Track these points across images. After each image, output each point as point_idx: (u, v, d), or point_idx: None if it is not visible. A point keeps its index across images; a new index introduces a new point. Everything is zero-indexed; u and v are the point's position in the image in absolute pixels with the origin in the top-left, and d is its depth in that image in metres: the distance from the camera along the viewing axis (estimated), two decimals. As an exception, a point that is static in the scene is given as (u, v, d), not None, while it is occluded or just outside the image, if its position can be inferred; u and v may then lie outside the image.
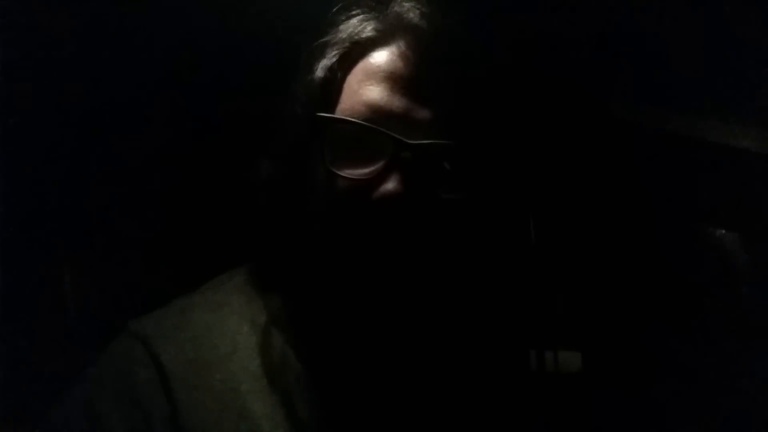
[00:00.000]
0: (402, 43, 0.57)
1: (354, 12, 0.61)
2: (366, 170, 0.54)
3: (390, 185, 0.53)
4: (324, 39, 0.61)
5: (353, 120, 0.55)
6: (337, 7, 0.62)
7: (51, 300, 0.80)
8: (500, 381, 0.66)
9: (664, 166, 0.87)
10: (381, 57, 0.58)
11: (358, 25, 0.60)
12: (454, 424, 0.59)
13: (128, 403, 0.54)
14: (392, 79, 0.56)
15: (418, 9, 0.59)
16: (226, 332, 0.59)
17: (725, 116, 0.84)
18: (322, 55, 0.60)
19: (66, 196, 0.80)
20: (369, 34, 0.59)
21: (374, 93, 0.56)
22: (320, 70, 0.59)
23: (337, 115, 0.57)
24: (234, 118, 0.76)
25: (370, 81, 0.57)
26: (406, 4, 0.60)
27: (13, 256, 0.72)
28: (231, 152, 0.70)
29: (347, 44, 0.59)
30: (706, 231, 0.88)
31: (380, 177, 0.54)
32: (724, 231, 0.86)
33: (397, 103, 0.55)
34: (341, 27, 0.61)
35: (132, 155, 0.84)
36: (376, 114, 0.55)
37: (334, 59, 0.59)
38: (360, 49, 0.59)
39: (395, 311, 0.57)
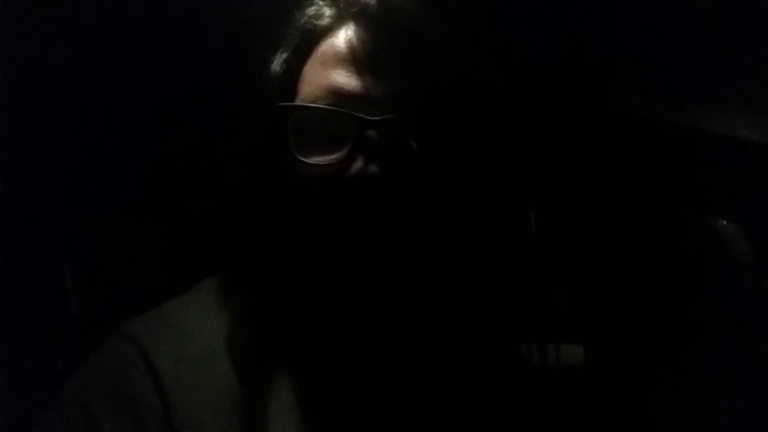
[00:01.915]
0: (354, 25, 0.57)
1: (307, 3, 0.61)
2: (333, 155, 0.54)
3: (359, 166, 0.53)
4: (278, 32, 0.61)
5: (313, 105, 0.55)
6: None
7: (52, 300, 0.80)
8: (496, 373, 0.65)
9: (664, 157, 0.87)
10: (334, 41, 0.58)
11: (311, 15, 0.60)
12: (447, 418, 0.58)
13: (121, 404, 0.54)
14: (348, 61, 0.56)
15: None
16: (217, 331, 0.59)
17: (724, 106, 0.83)
18: (277, 48, 0.60)
19: (67, 196, 0.80)
20: (322, 22, 0.59)
21: (331, 77, 0.56)
22: (276, 63, 0.59)
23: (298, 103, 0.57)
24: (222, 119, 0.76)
25: (326, 66, 0.57)
26: None
27: (14, 256, 0.72)
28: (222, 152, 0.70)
29: (301, 35, 0.59)
30: (707, 222, 0.87)
31: (348, 159, 0.53)
32: (724, 222, 0.86)
33: (354, 83, 0.55)
34: (294, 18, 0.61)
35: (134, 155, 0.84)
36: (336, 97, 0.55)
37: (289, 51, 0.59)
38: (314, 38, 0.59)
39: (378, 296, 0.56)
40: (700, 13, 0.78)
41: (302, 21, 0.60)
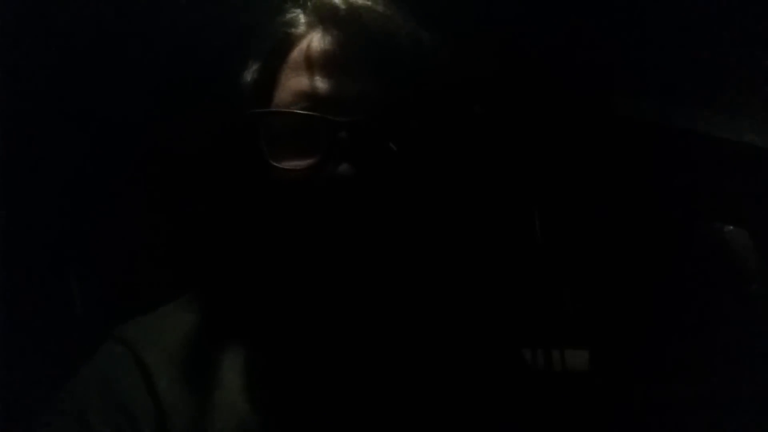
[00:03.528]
0: (324, 29, 0.58)
1: (283, 11, 0.62)
2: (307, 160, 0.54)
3: (332, 169, 0.53)
4: (255, 40, 0.62)
5: (283, 110, 0.56)
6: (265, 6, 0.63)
7: (57, 301, 0.80)
8: (500, 378, 0.65)
9: (671, 162, 0.86)
10: (305, 47, 0.58)
11: (285, 23, 0.61)
12: (448, 422, 0.58)
13: (115, 409, 0.54)
14: (318, 65, 0.56)
15: None
16: (211, 334, 0.59)
17: (731, 111, 0.83)
18: (253, 56, 0.61)
19: (71, 198, 0.81)
20: (296, 29, 0.60)
21: (302, 82, 0.56)
22: (250, 71, 0.60)
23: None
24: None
25: (297, 72, 0.57)
26: None
27: (18, 258, 0.72)
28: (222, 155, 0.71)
29: (275, 42, 0.60)
30: (713, 228, 0.87)
31: (322, 163, 0.53)
32: (731, 227, 0.85)
33: (325, 87, 0.55)
34: (271, 27, 0.61)
35: (136, 157, 0.85)
36: (307, 101, 0.55)
37: (264, 58, 0.60)
38: (288, 45, 0.59)
39: (362, 296, 0.57)
40: (706, 17, 0.77)
41: (277, 29, 0.61)
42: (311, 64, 0.56)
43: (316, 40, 0.57)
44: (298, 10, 0.61)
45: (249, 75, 0.61)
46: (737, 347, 0.81)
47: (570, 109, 0.87)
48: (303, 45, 0.58)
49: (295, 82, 0.56)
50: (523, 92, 0.77)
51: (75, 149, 0.81)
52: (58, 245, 0.81)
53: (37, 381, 0.66)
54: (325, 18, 0.58)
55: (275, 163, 0.55)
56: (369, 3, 0.59)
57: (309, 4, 0.61)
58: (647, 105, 0.87)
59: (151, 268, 0.83)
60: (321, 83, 0.55)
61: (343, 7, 0.58)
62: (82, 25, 0.77)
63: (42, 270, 0.79)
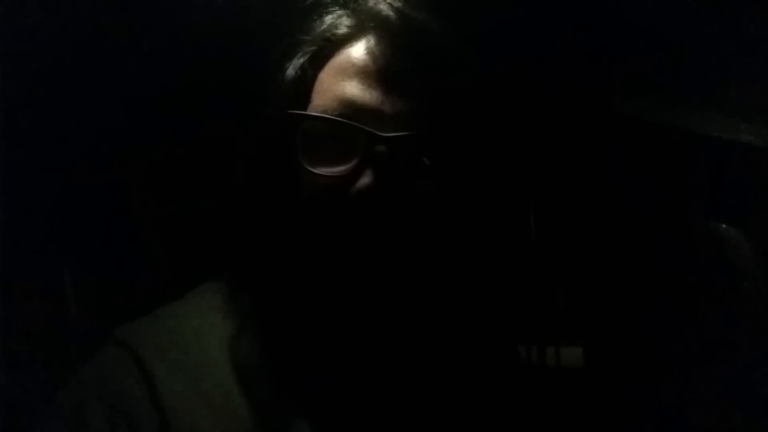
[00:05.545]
0: (373, 38, 0.56)
1: (326, 9, 0.61)
2: (341, 167, 0.53)
3: (366, 181, 0.52)
4: (296, 38, 0.60)
5: (325, 116, 0.55)
6: (308, 3, 0.62)
7: (52, 301, 0.80)
8: (497, 378, 0.65)
9: (667, 161, 0.86)
10: (352, 53, 0.57)
11: (329, 23, 0.59)
12: (447, 420, 0.58)
13: (116, 413, 0.53)
14: (364, 73, 0.55)
15: (389, 2, 0.58)
16: (215, 337, 0.58)
17: (729, 111, 0.83)
18: (293, 54, 0.59)
19: (67, 198, 0.80)
20: (340, 31, 0.58)
21: (346, 88, 0.55)
22: (291, 69, 0.59)
23: (310, 112, 0.57)
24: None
25: (342, 77, 0.56)
26: None
27: (14, 257, 0.72)
28: (223, 155, 0.70)
29: (319, 42, 0.59)
30: (709, 226, 0.87)
31: (356, 173, 0.53)
32: (726, 226, 0.86)
33: (369, 97, 0.54)
34: (313, 25, 0.60)
35: (138, 155, 0.84)
36: (348, 109, 0.54)
37: (306, 57, 0.59)
38: (332, 46, 0.58)
39: (380, 309, 0.56)
40: (706, 19, 0.77)
41: (321, 29, 0.59)
42: (357, 71, 0.55)
43: (364, 48, 0.56)
44: (342, 12, 0.60)
45: (290, 73, 0.59)
46: (731, 344, 0.81)
47: (570, 108, 0.87)
48: (350, 50, 0.57)
49: (338, 87, 0.55)
50: (525, 91, 0.76)
51: (73, 148, 0.81)
52: (54, 244, 0.80)
53: (34, 381, 0.66)
54: (376, 27, 0.57)
55: (308, 167, 0.54)
56: (421, 17, 0.58)
57: (358, 9, 0.59)
58: (646, 104, 0.88)
59: (148, 267, 0.83)
60: (365, 93, 0.54)
61: (395, 18, 0.57)
62: (90, 21, 0.76)
63: (37, 269, 0.78)
